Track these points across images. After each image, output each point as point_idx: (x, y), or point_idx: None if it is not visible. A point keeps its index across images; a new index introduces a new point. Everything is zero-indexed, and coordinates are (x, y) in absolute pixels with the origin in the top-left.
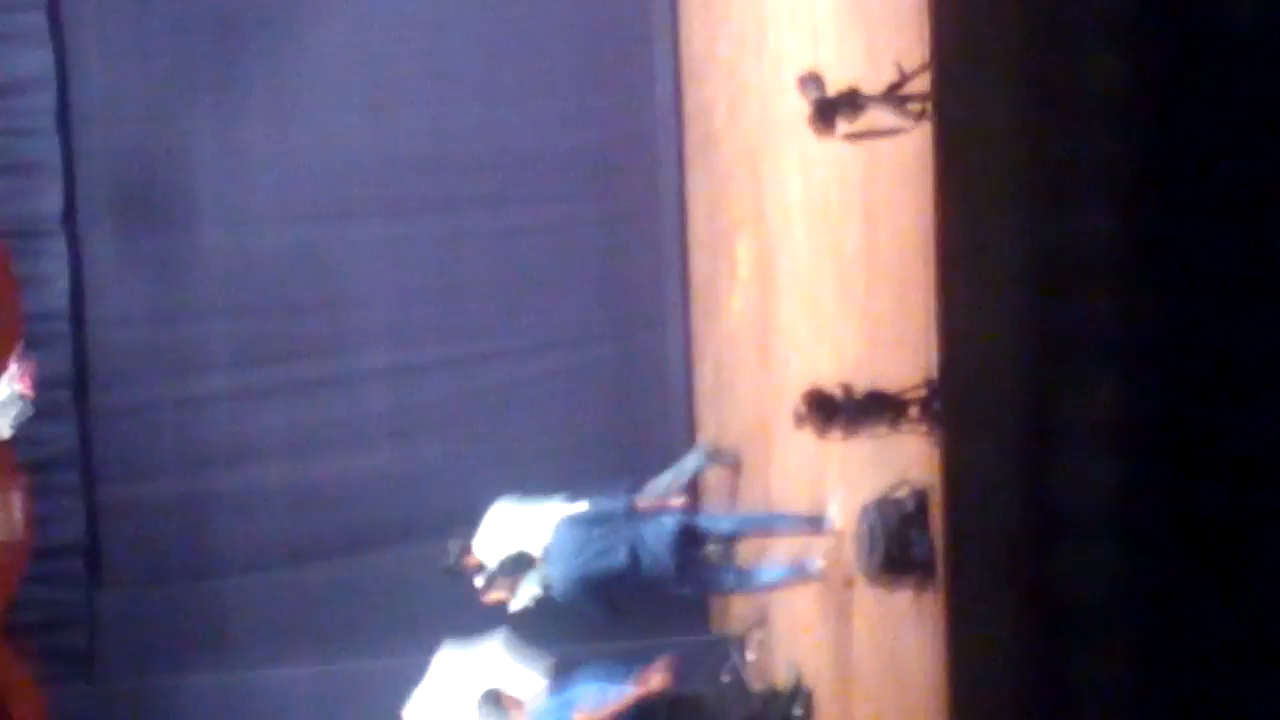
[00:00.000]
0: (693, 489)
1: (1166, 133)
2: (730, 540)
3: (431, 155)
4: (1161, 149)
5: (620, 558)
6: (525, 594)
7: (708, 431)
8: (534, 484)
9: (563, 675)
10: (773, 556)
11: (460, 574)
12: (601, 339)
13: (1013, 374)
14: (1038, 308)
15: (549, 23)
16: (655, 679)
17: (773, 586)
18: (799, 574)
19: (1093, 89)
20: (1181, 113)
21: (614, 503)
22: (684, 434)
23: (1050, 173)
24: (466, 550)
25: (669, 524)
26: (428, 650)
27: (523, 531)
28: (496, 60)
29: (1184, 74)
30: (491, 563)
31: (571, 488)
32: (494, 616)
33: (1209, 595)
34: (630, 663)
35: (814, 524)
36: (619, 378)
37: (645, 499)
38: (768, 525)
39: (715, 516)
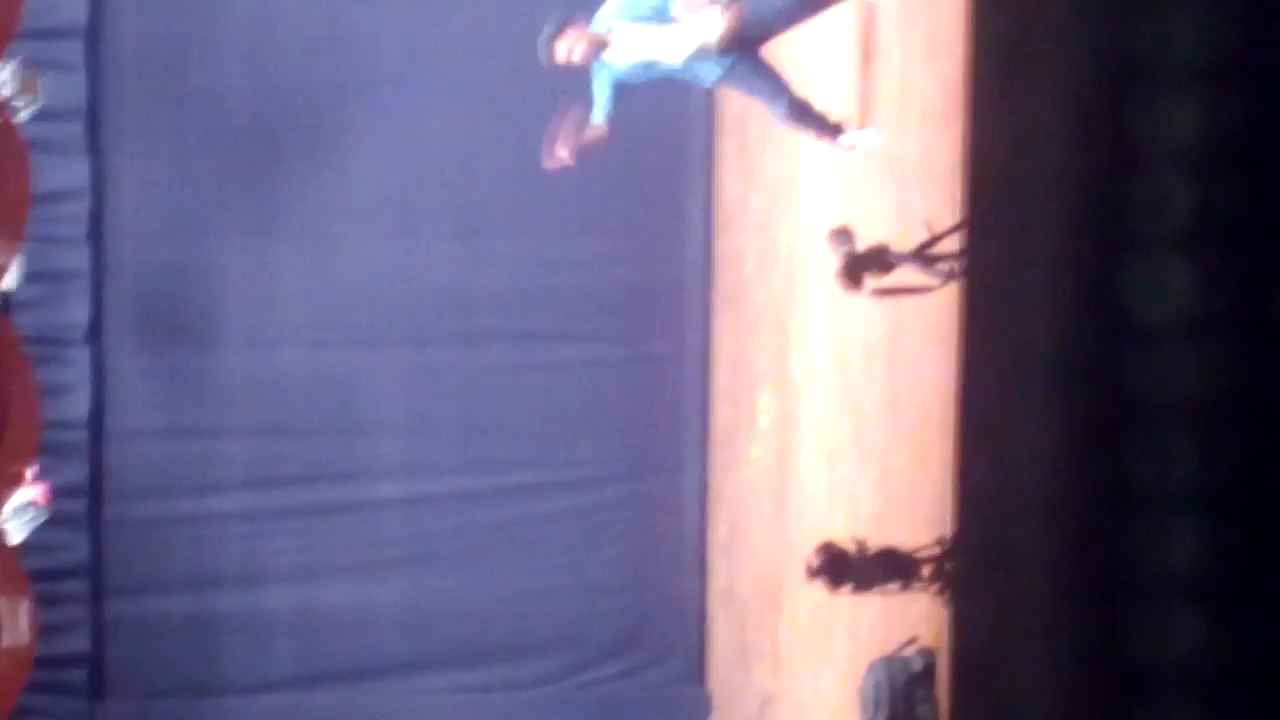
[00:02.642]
0: None
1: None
2: None
3: (459, 288)
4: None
5: None
6: None
7: (720, 581)
8: (539, 623)
9: None
10: None
11: None
12: (618, 481)
13: (1028, 540)
14: (1059, 475)
15: (583, 163)
16: None
17: None
18: None
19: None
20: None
21: None
22: (697, 581)
23: (1079, 342)
24: None
25: None
26: None
27: None
28: (529, 197)
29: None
30: None
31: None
32: None
33: None
34: None
35: None
36: (633, 521)
37: None
38: None
39: None
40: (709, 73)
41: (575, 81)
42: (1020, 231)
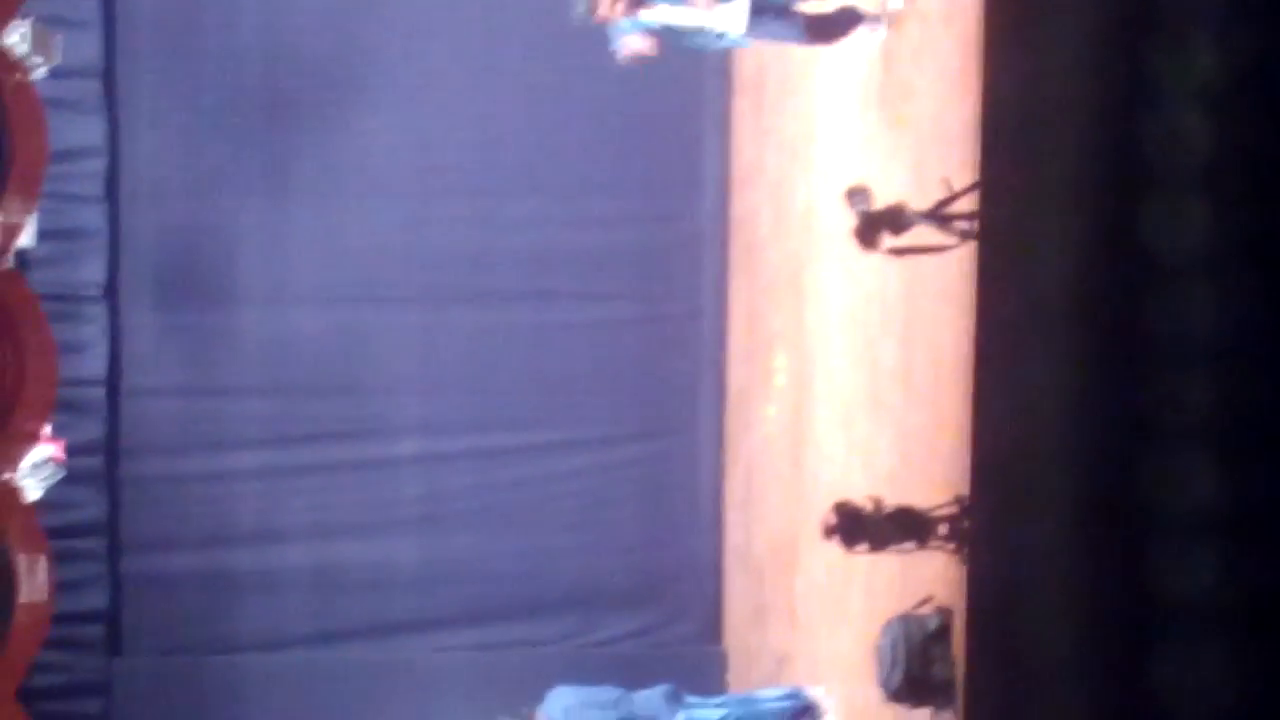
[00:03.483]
0: None
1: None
2: None
3: (474, 247)
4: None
5: None
6: None
7: (736, 539)
8: (555, 581)
9: None
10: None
11: None
12: (634, 439)
13: (1044, 498)
14: (1073, 433)
15: (600, 123)
16: None
17: None
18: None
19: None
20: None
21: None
22: (713, 540)
23: (1095, 297)
24: None
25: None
26: None
27: None
28: (545, 156)
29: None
30: None
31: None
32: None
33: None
34: None
35: (802, 711)
36: (649, 479)
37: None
38: (754, 716)
39: (704, 702)
40: (735, 41)
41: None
42: (1034, 185)
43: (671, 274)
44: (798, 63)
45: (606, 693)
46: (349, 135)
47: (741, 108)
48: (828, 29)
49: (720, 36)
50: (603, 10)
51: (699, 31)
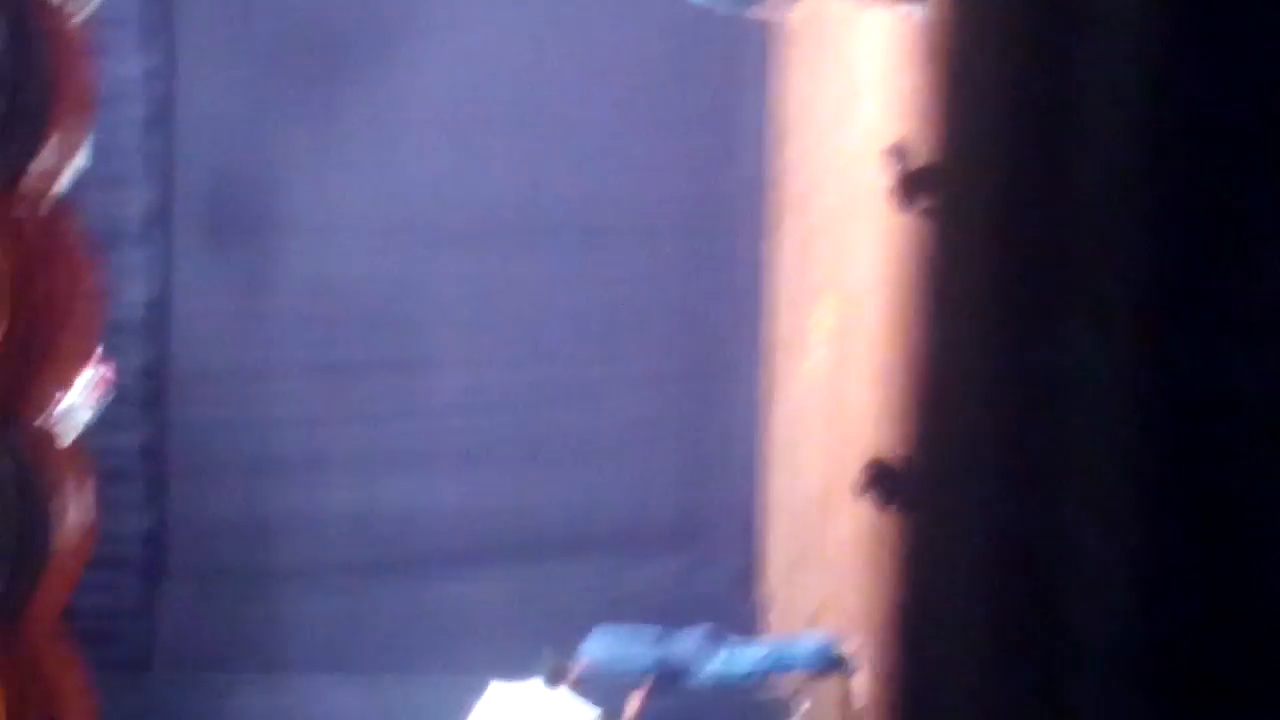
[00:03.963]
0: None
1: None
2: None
3: (520, 189)
4: None
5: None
6: None
7: (777, 486)
8: (594, 521)
9: None
10: None
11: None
12: (677, 382)
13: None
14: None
15: (645, 70)
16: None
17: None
18: None
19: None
20: None
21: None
22: (754, 486)
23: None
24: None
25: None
26: (481, 676)
27: None
28: (591, 101)
29: None
30: None
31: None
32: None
33: None
34: None
35: (829, 664)
36: (691, 423)
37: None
38: (785, 664)
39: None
40: None
41: None
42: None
43: (715, 220)
44: (845, 15)
45: (648, 631)
46: (399, 76)
47: (789, 57)
48: None
49: None
50: None
51: None
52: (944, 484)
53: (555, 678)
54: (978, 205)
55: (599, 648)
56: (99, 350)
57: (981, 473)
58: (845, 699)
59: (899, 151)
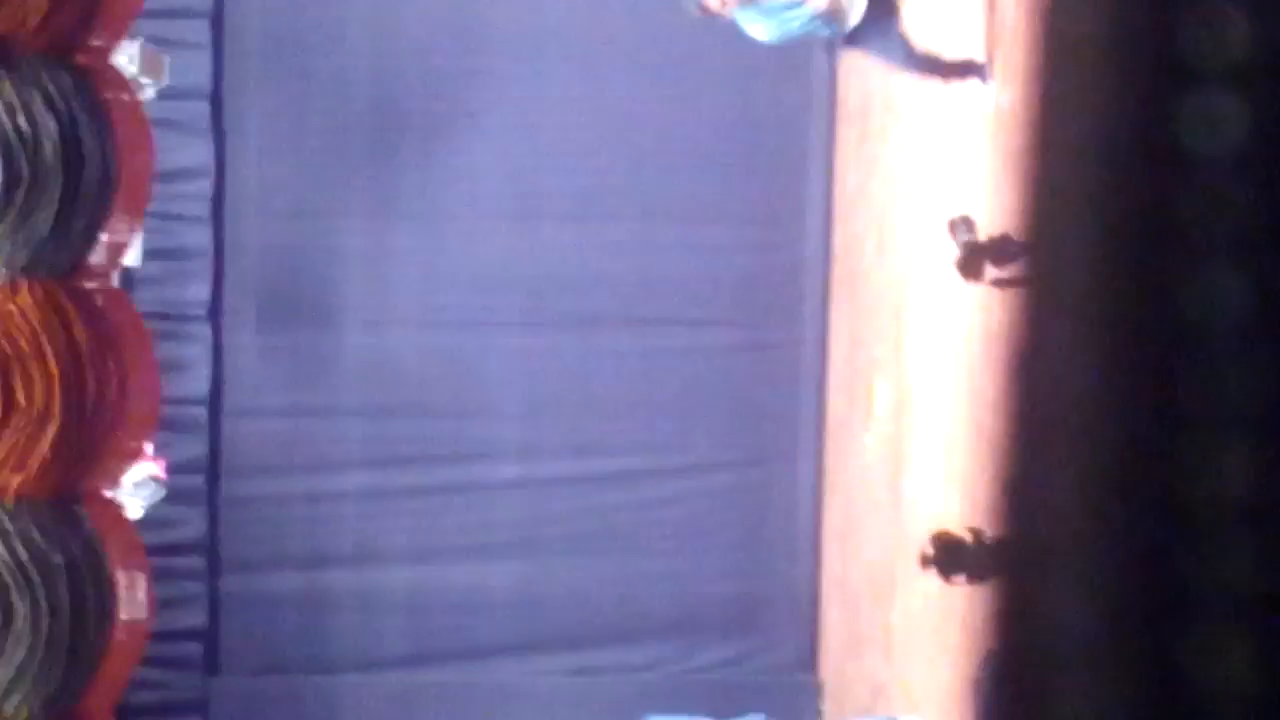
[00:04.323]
0: None
1: None
2: None
3: (575, 270)
4: None
5: None
6: None
7: (833, 568)
8: (649, 607)
9: None
10: None
11: None
12: (732, 467)
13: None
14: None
15: (703, 147)
16: None
17: None
18: None
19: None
20: None
21: None
22: (809, 568)
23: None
24: None
25: None
26: None
27: None
28: (647, 182)
29: None
30: None
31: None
32: None
33: None
34: None
35: None
36: (747, 507)
37: None
38: None
39: None
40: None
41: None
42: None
43: (772, 301)
44: (904, 91)
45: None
46: (453, 158)
47: (847, 136)
48: (938, 68)
49: (829, 25)
50: (714, 4)
51: (808, 18)
52: (1032, 559)
53: None
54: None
55: None
56: (151, 446)
57: (1079, 552)
58: None
59: (965, 222)
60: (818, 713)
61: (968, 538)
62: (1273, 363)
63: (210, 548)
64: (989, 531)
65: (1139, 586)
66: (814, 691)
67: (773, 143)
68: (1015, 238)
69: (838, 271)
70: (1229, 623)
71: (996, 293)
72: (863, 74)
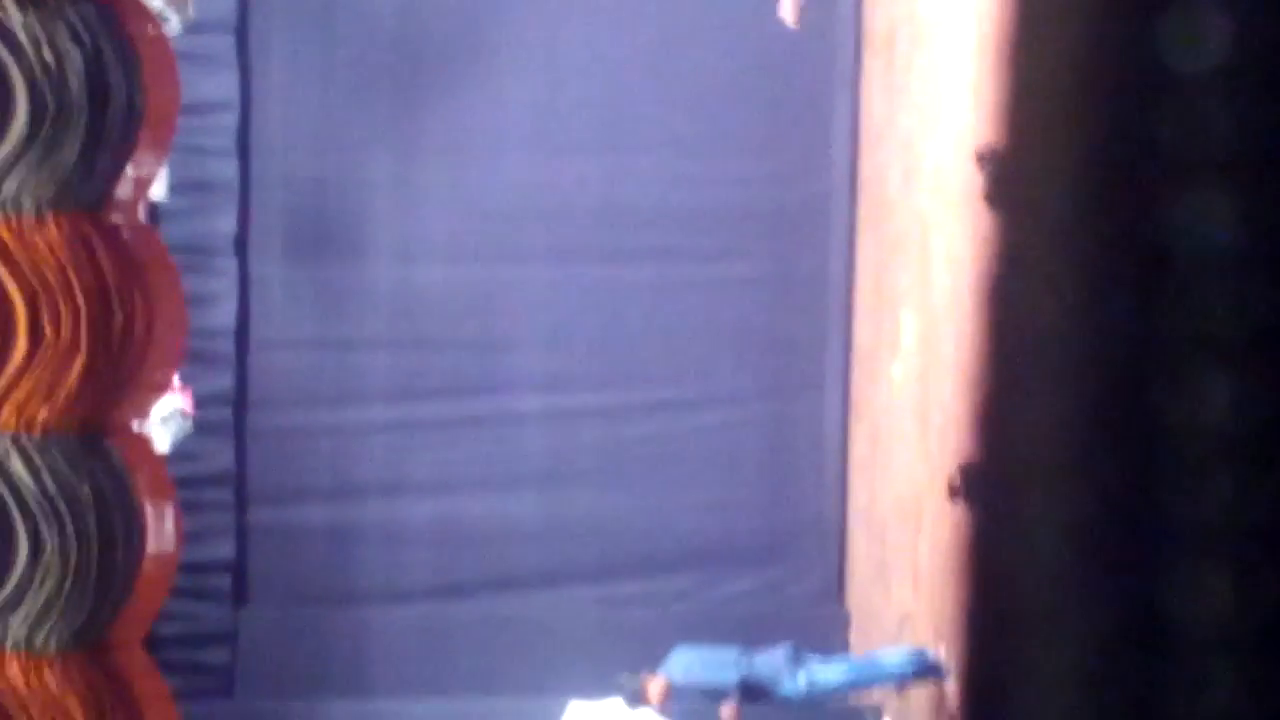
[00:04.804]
0: None
1: None
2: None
3: (601, 204)
4: None
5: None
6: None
7: (860, 499)
8: (676, 538)
9: None
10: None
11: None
12: (759, 398)
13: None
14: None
15: (728, 81)
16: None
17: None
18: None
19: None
20: None
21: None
22: (836, 499)
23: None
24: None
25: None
26: (563, 696)
27: None
28: (672, 115)
29: None
30: None
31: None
32: (629, 669)
33: None
34: None
35: (925, 671)
36: (774, 438)
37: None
38: (876, 677)
39: (826, 661)
40: None
41: None
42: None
43: (799, 232)
44: (930, 21)
45: (727, 652)
46: (479, 91)
47: (872, 66)
48: None
49: None
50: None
51: None
52: (1025, 487)
53: (636, 699)
54: (1056, 198)
55: (678, 668)
56: (178, 379)
57: (1063, 473)
58: (939, 706)
59: (993, 154)
60: (845, 642)
61: (987, 469)
62: (1249, 285)
63: (237, 480)
64: (1000, 463)
65: (1115, 517)
66: (841, 621)
67: (798, 74)
68: (997, 152)
69: (864, 203)
70: (1204, 555)
71: (1008, 218)
72: (889, 3)
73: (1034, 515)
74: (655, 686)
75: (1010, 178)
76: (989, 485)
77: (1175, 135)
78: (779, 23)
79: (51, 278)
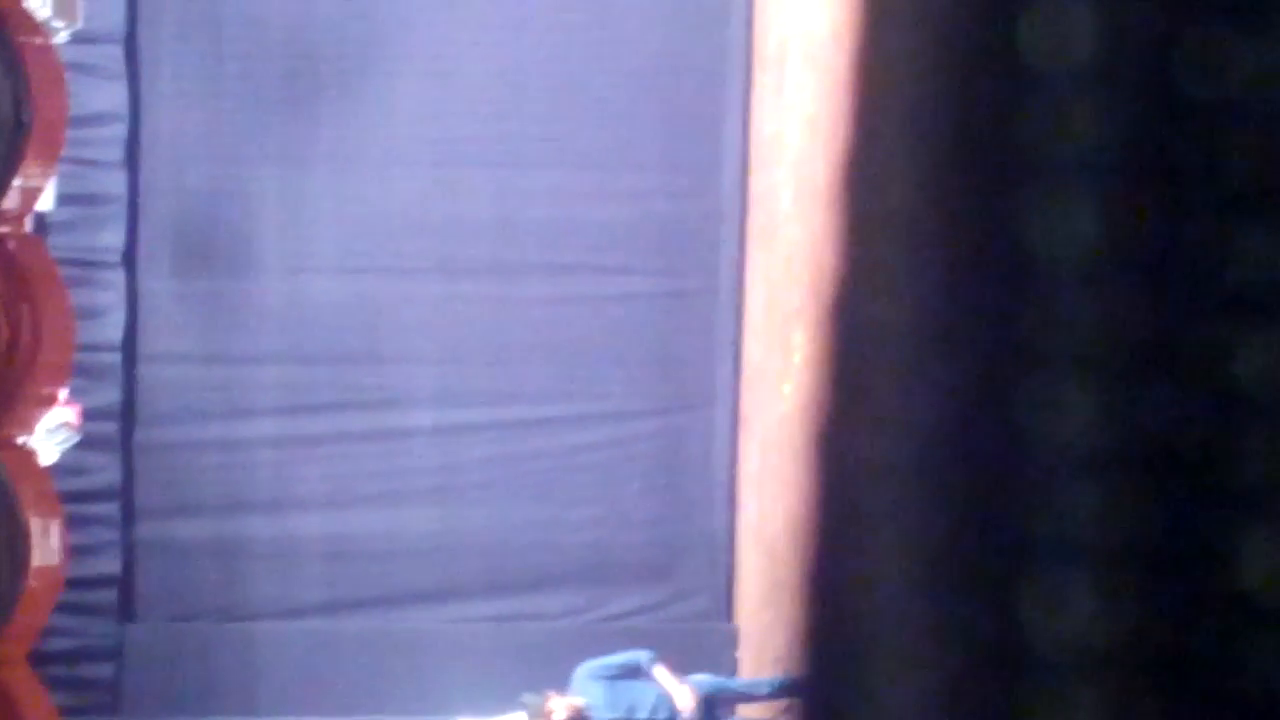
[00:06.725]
0: None
1: None
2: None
3: (492, 218)
4: None
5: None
6: None
7: (750, 516)
8: (566, 556)
9: None
10: None
11: None
12: (649, 414)
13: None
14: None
15: (620, 96)
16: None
17: None
18: None
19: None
20: None
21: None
22: (727, 516)
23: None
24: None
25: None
26: (454, 714)
27: None
28: (565, 129)
29: None
30: None
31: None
32: (523, 688)
33: None
34: None
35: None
36: (664, 454)
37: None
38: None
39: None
40: None
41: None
42: None
43: (690, 249)
44: (820, 39)
45: (632, 665)
46: (370, 104)
47: (763, 83)
48: None
49: None
50: None
51: None
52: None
53: (540, 718)
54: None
55: (592, 691)
56: (65, 393)
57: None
58: None
59: (856, 166)
60: (734, 660)
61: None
62: (1111, 291)
63: (124, 494)
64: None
65: (969, 532)
66: (731, 639)
67: (690, 90)
68: (847, 154)
69: (755, 220)
70: (1070, 572)
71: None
72: (781, 21)
73: (882, 530)
74: (562, 707)
75: (871, 189)
76: (838, 506)
77: (1037, 138)
78: (669, 36)
79: None
